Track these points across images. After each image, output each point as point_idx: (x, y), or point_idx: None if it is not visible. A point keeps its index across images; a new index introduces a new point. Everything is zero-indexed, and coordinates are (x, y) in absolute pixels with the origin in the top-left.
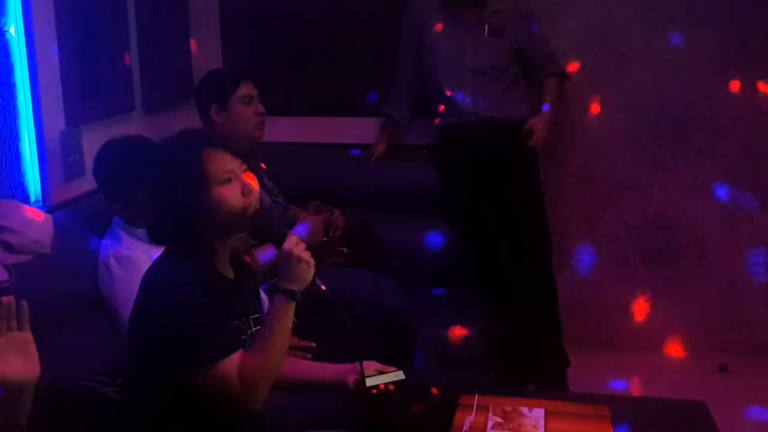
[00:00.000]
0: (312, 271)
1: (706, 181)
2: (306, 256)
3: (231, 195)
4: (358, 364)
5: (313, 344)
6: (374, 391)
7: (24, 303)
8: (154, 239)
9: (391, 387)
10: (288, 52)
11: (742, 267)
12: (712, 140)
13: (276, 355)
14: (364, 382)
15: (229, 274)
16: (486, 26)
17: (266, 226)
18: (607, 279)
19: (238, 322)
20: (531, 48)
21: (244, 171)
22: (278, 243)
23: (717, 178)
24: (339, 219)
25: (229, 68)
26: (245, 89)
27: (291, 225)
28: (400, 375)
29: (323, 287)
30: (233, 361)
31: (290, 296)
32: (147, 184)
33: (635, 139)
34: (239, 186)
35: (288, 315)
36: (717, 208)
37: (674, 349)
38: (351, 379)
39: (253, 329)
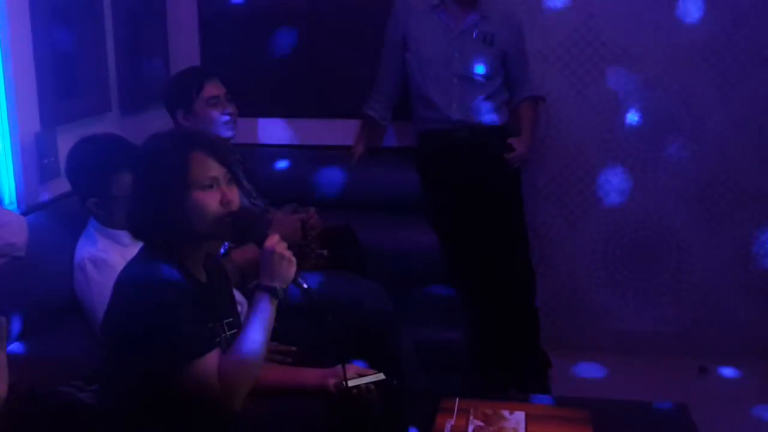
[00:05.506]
0: (294, 268)
1: (686, 184)
2: (288, 254)
3: (209, 201)
4: (338, 368)
5: (293, 348)
6: (354, 390)
7: (3, 319)
8: (132, 232)
9: (372, 387)
10: (268, 53)
11: (720, 269)
12: (691, 143)
13: (256, 352)
14: (346, 384)
15: (202, 277)
16: (475, 32)
17: (247, 226)
18: (587, 281)
19: (211, 324)
20: (513, 64)
21: (228, 181)
22: (259, 243)
23: (696, 181)
24: (314, 218)
25: (192, 69)
26: (210, 89)
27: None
28: (380, 376)
29: (305, 285)
30: (210, 360)
31: (273, 294)
32: (130, 177)
33: (615, 141)
34: (219, 195)
35: (270, 312)
36: (696, 211)
37: (654, 352)
38: (331, 382)
39: (227, 333)
